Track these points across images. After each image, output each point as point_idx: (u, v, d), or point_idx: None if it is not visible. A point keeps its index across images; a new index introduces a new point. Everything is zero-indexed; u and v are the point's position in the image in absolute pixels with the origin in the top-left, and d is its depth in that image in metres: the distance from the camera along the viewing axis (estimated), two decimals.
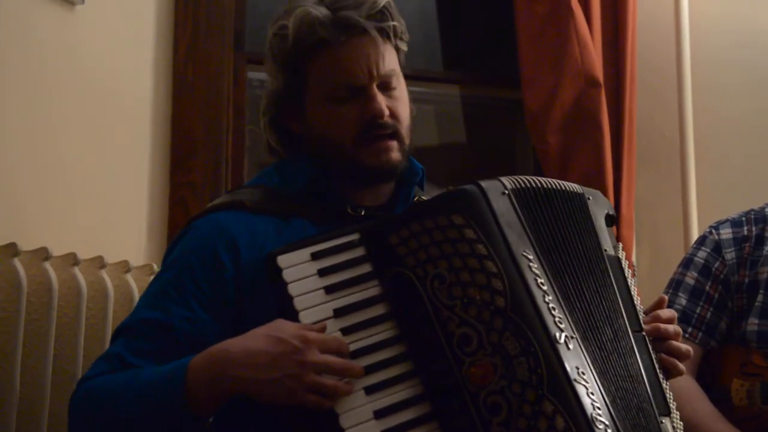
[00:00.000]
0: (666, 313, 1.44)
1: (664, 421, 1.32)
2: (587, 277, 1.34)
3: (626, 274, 1.41)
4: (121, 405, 1.24)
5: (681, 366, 1.41)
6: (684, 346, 1.42)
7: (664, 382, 1.37)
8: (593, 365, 1.25)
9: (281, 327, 1.21)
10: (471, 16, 2.87)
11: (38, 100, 1.95)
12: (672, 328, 1.42)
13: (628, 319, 1.36)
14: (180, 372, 1.22)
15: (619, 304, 1.36)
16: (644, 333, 1.38)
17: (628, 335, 1.34)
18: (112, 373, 1.28)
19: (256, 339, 1.21)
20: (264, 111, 1.48)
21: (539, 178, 1.39)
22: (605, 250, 1.39)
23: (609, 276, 1.37)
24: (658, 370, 1.36)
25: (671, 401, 1.36)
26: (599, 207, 1.44)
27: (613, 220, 1.47)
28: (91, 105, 2.09)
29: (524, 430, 1.16)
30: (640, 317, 1.39)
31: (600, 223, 1.42)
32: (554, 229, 1.35)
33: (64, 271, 1.77)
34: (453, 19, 2.85)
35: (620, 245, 1.45)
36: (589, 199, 1.42)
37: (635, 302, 1.40)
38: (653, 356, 1.37)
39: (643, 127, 2.72)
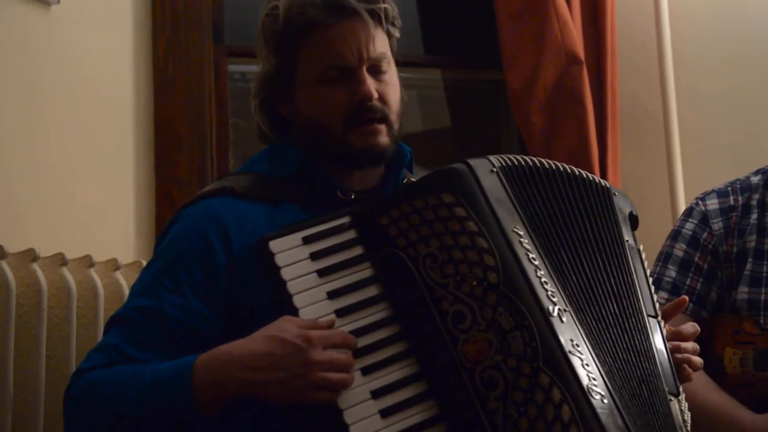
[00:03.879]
0: (689, 328, 1.46)
1: (672, 399, 1.32)
2: (592, 255, 1.34)
3: (645, 267, 1.42)
4: (123, 401, 1.23)
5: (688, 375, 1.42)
6: (695, 366, 1.43)
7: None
8: (587, 337, 1.25)
9: (284, 327, 1.20)
10: None
11: (19, 102, 1.94)
12: (691, 345, 1.44)
13: (644, 303, 1.36)
14: (186, 372, 1.21)
15: (634, 285, 1.36)
16: (659, 319, 1.38)
17: (641, 315, 1.34)
18: (110, 366, 1.27)
19: (260, 341, 1.20)
20: (254, 94, 1.47)
21: (541, 159, 1.39)
22: (626, 241, 1.39)
23: (625, 259, 1.37)
24: (669, 355, 1.36)
25: (680, 386, 1.36)
26: (624, 204, 1.45)
27: (636, 222, 1.46)
28: (73, 105, 2.08)
29: (521, 404, 1.16)
30: (657, 306, 1.40)
31: (624, 216, 1.42)
32: (550, 207, 1.35)
33: (53, 272, 1.76)
34: (432, 2, 2.84)
35: (641, 246, 1.45)
36: (615, 194, 1.43)
37: (652, 292, 1.41)
38: (666, 344, 1.38)
39: (626, 104, 2.72)
